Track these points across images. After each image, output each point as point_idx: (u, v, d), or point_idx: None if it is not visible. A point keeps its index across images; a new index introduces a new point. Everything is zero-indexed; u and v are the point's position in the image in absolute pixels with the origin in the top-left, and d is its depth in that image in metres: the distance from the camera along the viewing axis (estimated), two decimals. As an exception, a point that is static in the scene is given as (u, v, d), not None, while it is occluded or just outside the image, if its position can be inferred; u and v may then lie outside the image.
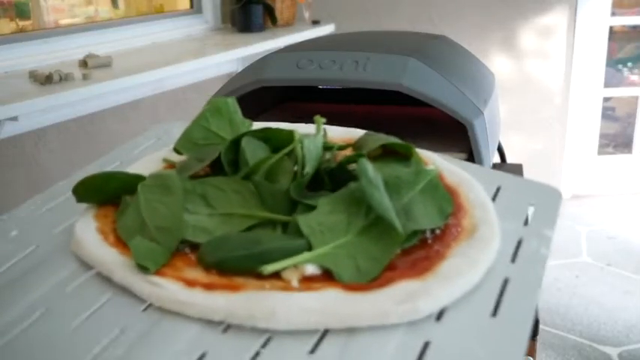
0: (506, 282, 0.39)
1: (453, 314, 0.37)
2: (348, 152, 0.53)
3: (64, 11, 2.09)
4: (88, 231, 0.44)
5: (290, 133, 0.50)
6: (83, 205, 0.49)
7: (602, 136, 3.17)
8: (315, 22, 2.59)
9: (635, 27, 3.12)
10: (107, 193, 0.48)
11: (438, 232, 0.44)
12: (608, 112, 3.19)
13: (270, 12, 2.41)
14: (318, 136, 0.50)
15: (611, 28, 3.00)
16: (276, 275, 0.40)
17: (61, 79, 1.62)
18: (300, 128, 0.53)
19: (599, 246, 2.75)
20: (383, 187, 0.42)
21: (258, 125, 0.54)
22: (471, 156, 0.87)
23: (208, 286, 0.39)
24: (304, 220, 0.42)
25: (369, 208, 0.42)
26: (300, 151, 0.48)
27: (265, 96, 1.14)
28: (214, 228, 0.43)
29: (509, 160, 1.43)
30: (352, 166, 0.47)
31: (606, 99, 3.13)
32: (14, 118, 1.49)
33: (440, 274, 0.39)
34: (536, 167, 2.30)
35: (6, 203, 1.60)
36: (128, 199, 0.46)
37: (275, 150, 0.50)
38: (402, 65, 0.88)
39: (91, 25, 2.10)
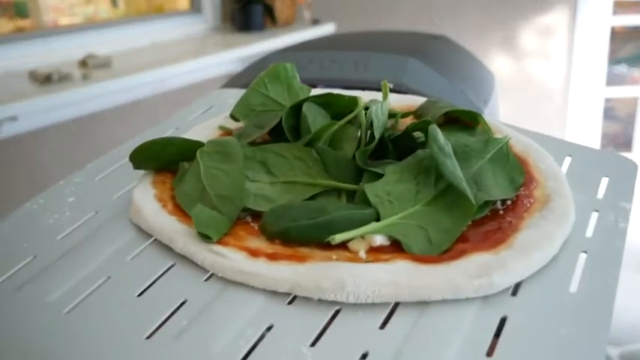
0: (583, 256, 0.38)
1: (530, 289, 0.35)
2: (410, 120, 0.50)
3: (64, 11, 2.09)
4: (146, 198, 0.43)
5: (353, 100, 0.48)
6: (140, 172, 0.48)
7: (602, 135, 3.17)
8: (315, 22, 2.59)
9: (636, 27, 3.12)
10: (164, 159, 0.46)
11: (509, 202, 0.42)
12: (608, 112, 3.19)
13: (270, 12, 2.41)
14: (385, 102, 0.47)
15: (612, 27, 3.00)
16: (343, 246, 0.39)
17: (60, 79, 1.61)
18: (360, 95, 0.51)
19: (600, 246, 2.75)
20: (453, 157, 0.40)
21: (317, 91, 0.52)
22: (471, 156, 0.87)
23: (272, 257, 0.38)
24: (371, 189, 0.40)
25: (439, 177, 0.40)
26: (364, 117, 0.46)
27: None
28: (277, 196, 0.42)
29: (509, 160, 1.43)
30: (417, 134, 0.45)
31: (607, 99, 3.13)
32: (14, 118, 1.49)
33: (515, 246, 0.37)
34: (536, 167, 2.29)
35: (6, 203, 1.60)
36: (186, 165, 0.45)
37: (336, 117, 0.48)
38: (402, 65, 0.88)
39: (91, 24, 2.10)
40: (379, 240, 0.39)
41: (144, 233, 0.42)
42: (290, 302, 0.36)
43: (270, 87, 0.53)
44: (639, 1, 3.08)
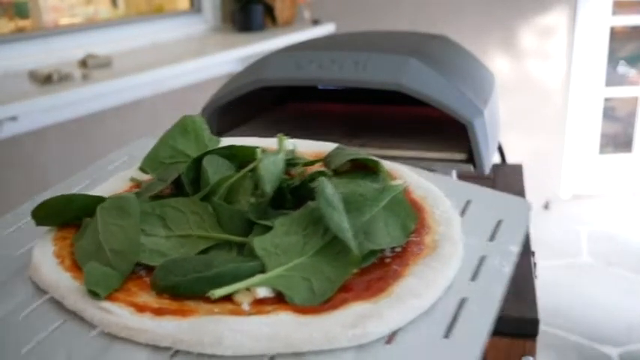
0: (463, 301, 0.38)
1: (404, 336, 0.36)
2: (318, 167, 0.52)
3: (64, 11, 2.09)
4: (45, 255, 0.44)
5: (251, 151, 0.49)
6: (45, 228, 0.48)
7: (603, 135, 3.17)
8: (315, 22, 2.59)
9: (635, 27, 3.12)
10: (68, 215, 0.47)
11: (398, 250, 0.42)
12: (608, 112, 3.19)
13: (270, 12, 2.41)
14: (279, 155, 0.49)
15: (611, 27, 3.00)
16: (228, 298, 0.39)
17: (60, 79, 1.61)
18: (273, 143, 0.51)
19: (599, 246, 2.75)
20: (342, 206, 0.42)
21: (227, 142, 0.53)
22: (471, 156, 0.87)
23: (158, 312, 0.39)
24: (259, 242, 0.41)
25: (327, 229, 0.41)
26: (259, 171, 0.46)
27: (265, 96, 1.14)
28: (170, 250, 0.43)
29: (509, 160, 1.43)
30: (316, 183, 0.46)
31: (606, 99, 3.13)
32: (14, 118, 1.49)
33: (393, 295, 0.38)
34: (536, 167, 2.29)
35: (6, 203, 1.60)
36: (88, 220, 0.45)
37: (242, 167, 0.49)
38: (401, 65, 0.88)
39: (91, 25, 2.10)
40: (263, 292, 0.39)
41: (41, 290, 0.42)
42: (172, 356, 0.37)
43: (179, 139, 0.53)
44: (639, 1, 3.08)
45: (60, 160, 1.71)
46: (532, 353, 0.85)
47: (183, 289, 0.39)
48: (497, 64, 2.90)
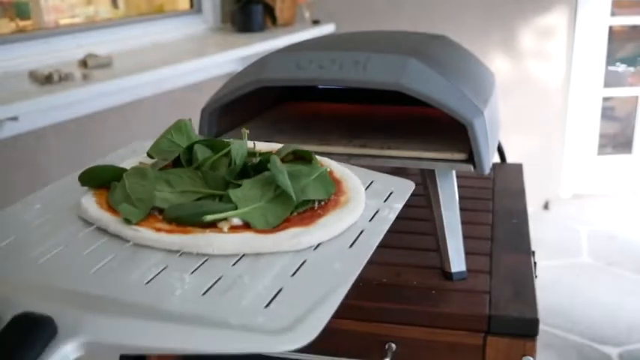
0: (361, 232, 0.62)
1: (324, 246, 0.59)
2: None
3: (64, 11, 2.09)
4: (90, 202, 0.66)
5: (226, 142, 0.74)
6: (84, 189, 0.70)
7: (602, 136, 3.17)
8: (315, 22, 2.59)
9: (634, 27, 3.12)
10: (102, 179, 0.69)
11: (322, 203, 0.66)
12: (608, 112, 3.19)
13: (270, 12, 2.42)
14: (243, 141, 0.73)
15: (610, 28, 3.00)
16: (214, 225, 0.61)
17: (60, 79, 1.62)
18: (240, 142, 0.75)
19: (599, 246, 2.75)
20: (286, 174, 0.65)
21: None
22: (471, 156, 0.87)
23: (169, 231, 0.60)
24: (233, 193, 0.63)
25: (276, 188, 0.64)
26: (231, 151, 0.72)
27: (265, 96, 1.14)
28: (174, 199, 0.64)
29: (509, 160, 1.43)
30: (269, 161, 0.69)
31: (606, 99, 3.13)
32: (14, 118, 1.49)
33: (318, 224, 0.61)
34: (536, 167, 2.30)
35: (6, 203, 1.60)
36: (116, 183, 0.67)
37: (217, 152, 0.73)
38: (401, 65, 0.88)
39: (91, 25, 2.10)
40: (236, 221, 0.61)
41: (88, 224, 0.64)
42: (180, 255, 0.58)
43: (174, 135, 0.77)
44: (639, 1, 3.08)
45: (60, 160, 1.71)
46: (532, 353, 0.85)
47: (185, 219, 0.61)
48: (497, 64, 2.90)
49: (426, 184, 0.92)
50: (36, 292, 0.52)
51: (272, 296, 0.50)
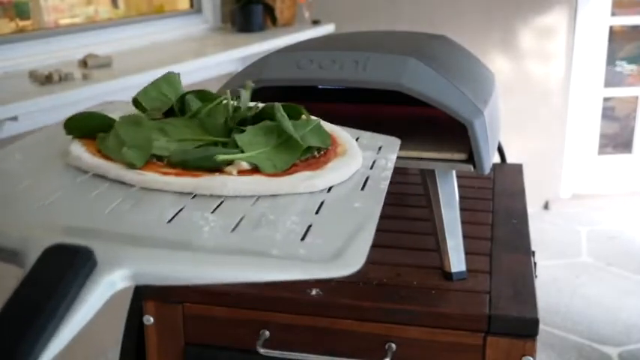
0: (368, 177, 0.63)
1: (337, 189, 0.59)
2: None
3: (64, 11, 2.09)
4: (81, 150, 0.62)
5: (216, 95, 0.72)
6: (68, 139, 0.66)
7: (602, 136, 3.17)
8: (315, 22, 2.59)
9: (635, 27, 3.12)
10: (88, 128, 0.66)
11: (322, 152, 0.66)
12: (608, 112, 3.19)
13: (270, 12, 2.42)
14: (247, 92, 0.73)
15: (610, 28, 3.00)
16: (221, 171, 0.59)
17: (60, 79, 1.62)
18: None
19: (599, 246, 2.75)
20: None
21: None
22: (471, 156, 0.87)
23: (178, 174, 0.58)
24: (239, 137, 0.63)
25: (279, 134, 0.64)
26: (230, 100, 0.70)
27: (265, 96, 1.14)
28: (173, 147, 0.62)
29: (509, 160, 1.43)
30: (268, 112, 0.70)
31: (606, 99, 3.13)
32: (14, 118, 1.49)
33: (327, 168, 0.62)
34: (536, 167, 2.30)
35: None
36: (102, 135, 0.64)
37: (207, 103, 0.71)
38: (402, 65, 0.88)
39: (91, 25, 2.10)
40: (245, 165, 0.60)
41: (83, 172, 0.60)
42: (193, 197, 0.56)
43: (164, 87, 0.74)
44: (639, 1, 3.08)
45: (60, 160, 1.71)
46: (532, 353, 0.85)
47: (192, 163, 0.59)
48: (497, 64, 2.90)
49: (426, 184, 0.92)
50: (55, 231, 0.48)
51: (304, 231, 0.50)
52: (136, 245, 0.46)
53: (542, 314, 0.86)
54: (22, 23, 1.91)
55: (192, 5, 2.48)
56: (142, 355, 0.99)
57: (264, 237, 0.49)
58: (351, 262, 0.45)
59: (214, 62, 2.06)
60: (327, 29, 2.55)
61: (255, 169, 0.60)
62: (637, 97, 3.16)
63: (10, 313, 0.36)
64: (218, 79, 2.02)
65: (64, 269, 0.40)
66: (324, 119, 0.74)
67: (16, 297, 0.37)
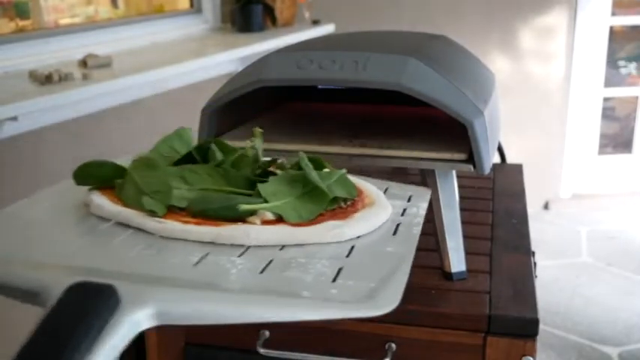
0: (399, 224, 0.63)
1: (366, 238, 0.59)
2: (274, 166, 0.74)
3: (64, 11, 2.09)
4: (102, 199, 0.63)
5: (231, 147, 0.73)
6: (81, 190, 0.66)
7: (602, 136, 3.17)
8: (315, 22, 2.59)
9: (635, 27, 3.12)
10: (100, 177, 0.66)
11: (349, 203, 0.66)
12: (608, 112, 3.19)
13: (270, 12, 2.41)
14: (259, 143, 0.73)
15: (610, 28, 3.00)
16: (243, 221, 0.59)
17: (60, 79, 1.62)
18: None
19: (599, 246, 2.75)
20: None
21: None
22: (471, 156, 0.87)
23: (198, 223, 0.58)
24: (262, 187, 0.62)
25: (303, 184, 0.63)
26: (251, 151, 0.72)
27: (265, 96, 1.14)
28: (193, 195, 0.61)
29: (509, 160, 1.43)
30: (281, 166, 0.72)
31: (606, 99, 3.13)
32: (14, 118, 1.49)
33: (355, 218, 0.61)
34: (536, 167, 2.30)
35: (6, 203, 1.60)
36: (119, 181, 0.64)
37: (227, 154, 0.71)
38: (401, 65, 0.88)
39: (91, 25, 2.10)
40: (269, 215, 0.59)
41: (104, 220, 0.61)
42: (214, 245, 0.55)
43: (175, 142, 0.74)
44: (639, 1, 3.08)
45: (60, 160, 1.71)
46: (532, 353, 0.85)
47: (213, 212, 0.59)
48: (497, 64, 2.90)
49: (426, 184, 0.92)
50: (80, 272, 0.48)
51: (335, 273, 0.50)
52: (163, 286, 0.47)
53: (542, 314, 0.86)
54: (21, 23, 1.91)
55: (192, 5, 2.48)
56: (142, 355, 0.99)
57: (294, 279, 0.49)
58: (385, 303, 0.46)
59: (214, 62, 2.06)
60: (327, 29, 2.55)
61: (279, 219, 0.59)
62: (637, 97, 3.16)
63: (36, 344, 0.36)
64: (218, 79, 2.02)
65: (88, 305, 0.40)
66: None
67: (41, 330, 0.37)
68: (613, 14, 2.98)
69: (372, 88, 0.90)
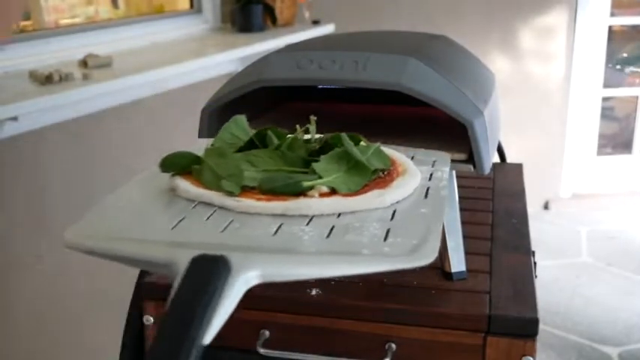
0: (428, 188, 0.73)
1: (403, 202, 0.70)
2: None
3: (64, 11, 2.09)
4: (187, 183, 0.73)
5: (286, 132, 0.83)
6: (161, 178, 0.76)
7: (602, 136, 3.17)
8: (315, 22, 2.59)
9: (634, 27, 3.12)
10: (181, 165, 0.76)
11: (386, 173, 0.76)
12: (608, 112, 3.19)
13: (270, 12, 2.42)
14: (313, 127, 0.83)
15: (610, 28, 3.00)
16: (304, 194, 0.69)
17: (61, 79, 1.62)
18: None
19: (599, 246, 2.75)
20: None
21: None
22: (471, 156, 0.87)
23: (268, 199, 0.68)
24: (316, 166, 0.72)
25: (348, 160, 0.74)
26: (301, 135, 0.81)
27: (265, 96, 1.14)
28: (261, 177, 0.72)
29: (509, 160, 1.43)
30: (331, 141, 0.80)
31: (606, 99, 3.13)
32: (14, 118, 1.49)
33: (393, 186, 0.72)
34: (536, 167, 2.30)
35: (6, 203, 1.60)
36: (197, 167, 0.75)
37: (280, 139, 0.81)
38: (401, 65, 0.88)
39: (91, 25, 2.10)
40: (324, 188, 0.70)
41: (190, 200, 0.71)
42: (284, 216, 0.66)
43: (234, 129, 0.82)
44: (639, 1, 3.08)
45: (60, 160, 1.71)
46: (532, 353, 0.85)
47: (280, 189, 0.69)
48: (497, 64, 2.91)
49: (426, 184, 0.92)
50: (193, 246, 0.59)
51: (385, 234, 0.61)
52: (257, 252, 0.58)
53: (542, 314, 0.86)
54: (22, 23, 1.91)
55: (192, 5, 2.49)
56: (142, 355, 0.99)
57: (354, 241, 0.60)
58: (427, 255, 0.57)
59: (214, 62, 2.06)
60: (327, 29, 2.55)
61: (332, 192, 0.70)
62: (637, 97, 3.16)
63: (178, 306, 0.48)
64: (218, 79, 2.02)
65: (210, 274, 0.51)
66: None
67: (178, 297, 0.49)
68: (612, 14, 2.99)
69: (372, 88, 0.90)
